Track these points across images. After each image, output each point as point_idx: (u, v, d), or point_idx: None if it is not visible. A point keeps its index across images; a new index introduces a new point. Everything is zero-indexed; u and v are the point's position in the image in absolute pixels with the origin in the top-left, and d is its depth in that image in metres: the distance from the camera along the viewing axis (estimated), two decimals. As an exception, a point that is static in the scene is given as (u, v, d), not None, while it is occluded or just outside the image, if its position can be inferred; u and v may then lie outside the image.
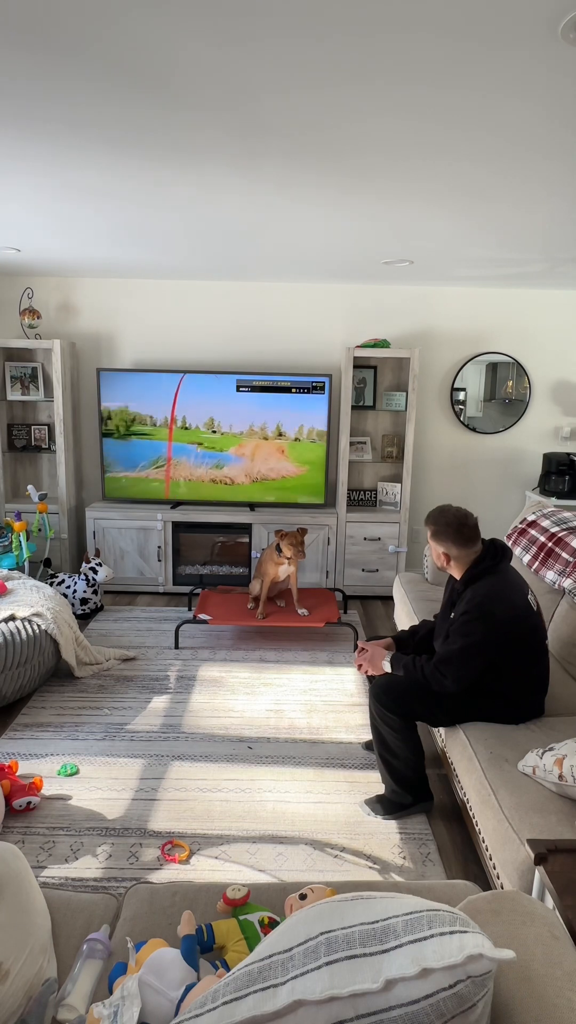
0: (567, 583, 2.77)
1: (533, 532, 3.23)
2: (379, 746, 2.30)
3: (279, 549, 3.62)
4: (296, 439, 4.46)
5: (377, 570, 4.52)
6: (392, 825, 2.27)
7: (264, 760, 2.63)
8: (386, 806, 2.31)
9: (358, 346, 4.31)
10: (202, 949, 1.22)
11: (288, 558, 3.62)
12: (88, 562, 4.04)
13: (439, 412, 4.78)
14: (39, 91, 1.65)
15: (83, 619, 4.08)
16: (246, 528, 4.47)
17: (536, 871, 1.51)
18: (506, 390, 4.72)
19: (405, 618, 3.35)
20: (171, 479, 4.51)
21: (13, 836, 2.18)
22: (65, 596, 4.01)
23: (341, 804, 2.37)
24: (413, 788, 2.29)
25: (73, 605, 4.03)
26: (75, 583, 4.03)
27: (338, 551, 4.48)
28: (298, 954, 0.84)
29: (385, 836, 2.22)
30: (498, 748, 2.03)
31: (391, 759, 2.28)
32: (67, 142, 1.98)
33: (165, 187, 2.39)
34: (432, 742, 2.79)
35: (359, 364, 4.56)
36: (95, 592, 4.09)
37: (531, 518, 3.36)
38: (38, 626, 3.01)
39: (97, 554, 4.27)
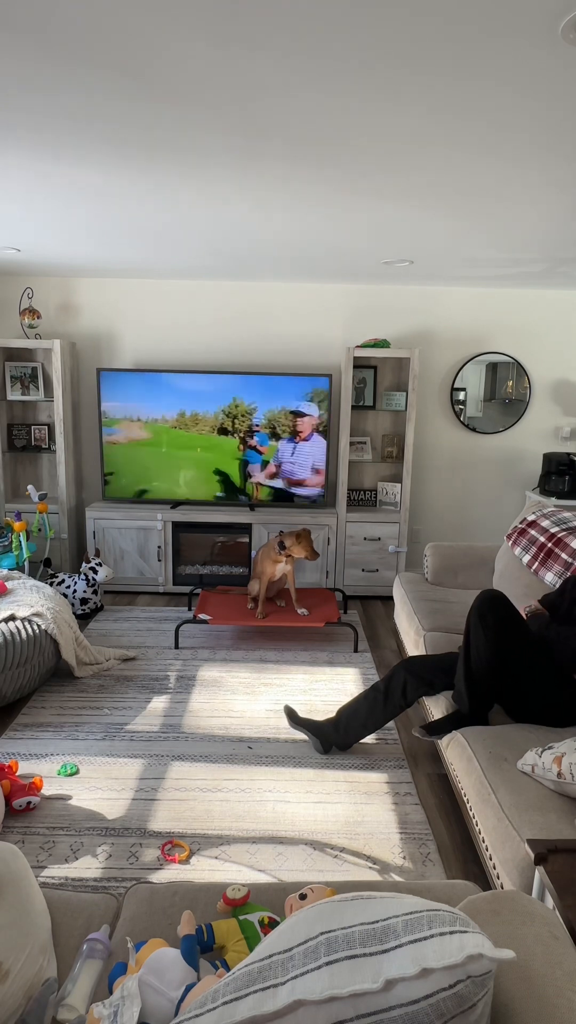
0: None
1: (533, 532, 3.23)
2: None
3: (281, 547, 3.62)
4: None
5: (377, 570, 4.52)
6: (392, 825, 2.27)
7: (264, 760, 2.64)
8: (441, 723, 2.33)
9: (358, 346, 4.31)
10: (202, 949, 1.22)
11: (302, 557, 3.63)
12: (88, 562, 4.04)
13: (439, 412, 4.78)
14: (39, 91, 1.65)
15: (83, 619, 4.08)
16: (246, 528, 4.47)
17: (536, 871, 1.51)
18: (506, 390, 4.72)
19: (405, 618, 3.35)
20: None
21: (13, 836, 2.18)
22: (65, 596, 4.02)
23: (341, 804, 2.37)
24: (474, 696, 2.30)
25: (73, 605, 4.03)
26: (75, 583, 4.03)
27: (338, 551, 4.48)
28: (298, 954, 0.84)
29: (385, 836, 2.22)
30: (497, 747, 2.03)
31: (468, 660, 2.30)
32: (67, 142, 1.98)
33: (165, 186, 2.39)
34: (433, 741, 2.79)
35: (359, 364, 4.56)
36: (95, 592, 4.09)
37: (531, 518, 3.36)
38: (38, 626, 3.01)
39: (97, 554, 4.27)
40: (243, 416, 4.41)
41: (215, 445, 4.47)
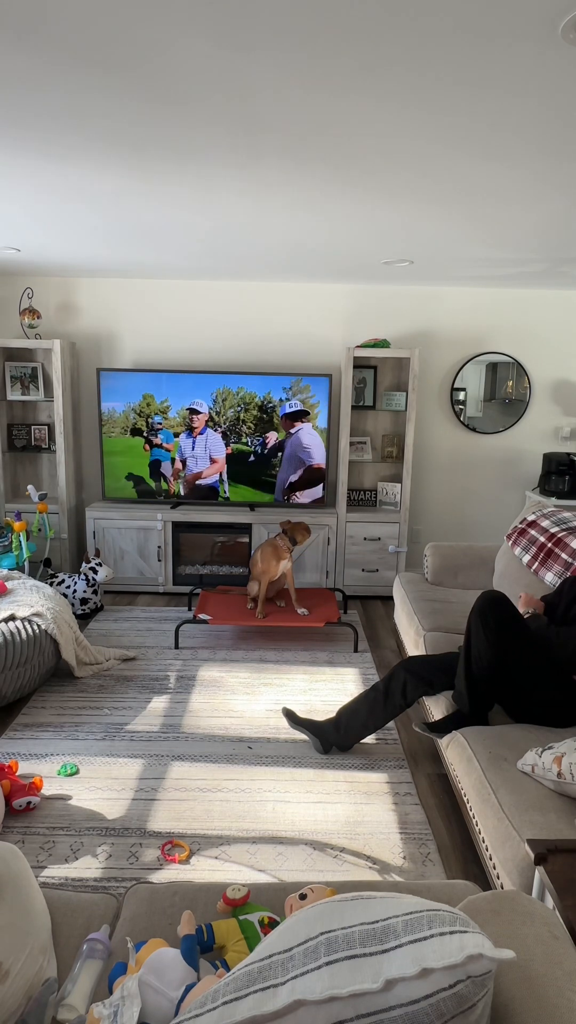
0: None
1: (533, 532, 3.23)
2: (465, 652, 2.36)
3: (293, 542, 3.66)
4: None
5: (377, 570, 4.52)
6: (392, 825, 2.27)
7: (264, 760, 2.64)
8: (442, 723, 2.34)
9: (358, 346, 4.31)
10: (202, 949, 1.22)
11: (308, 536, 3.74)
12: (88, 562, 4.04)
13: (439, 412, 4.78)
14: (39, 90, 1.65)
15: (83, 619, 4.08)
16: (246, 528, 4.47)
17: (536, 871, 1.51)
18: (506, 390, 4.72)
19: (405, 618, 3.35)
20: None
21: (13, 836, 2.18)
22: (65, 596, 4.01)
23: (341, 804, 2.37)
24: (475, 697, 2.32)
25: (73, 605, 4.03)
26: (75, 583, 4.03)
27: (338, 551, 4.48)
28: (298, 954, 0.84)
29: (385, 836, 2.22)
30: (497, 748, 2.03)
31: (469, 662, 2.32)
32: (67, 142, 1.98)
33: (165, 187, 2.39)
34: (433, 741, 2.79)
35: (359, 364, 4.56)
36: (95, 592, 4.09)
37: (531, 518, 3.36)
38: (38, 626, 3.01)
39: (97, 554, 4.27)
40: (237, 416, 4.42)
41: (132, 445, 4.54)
